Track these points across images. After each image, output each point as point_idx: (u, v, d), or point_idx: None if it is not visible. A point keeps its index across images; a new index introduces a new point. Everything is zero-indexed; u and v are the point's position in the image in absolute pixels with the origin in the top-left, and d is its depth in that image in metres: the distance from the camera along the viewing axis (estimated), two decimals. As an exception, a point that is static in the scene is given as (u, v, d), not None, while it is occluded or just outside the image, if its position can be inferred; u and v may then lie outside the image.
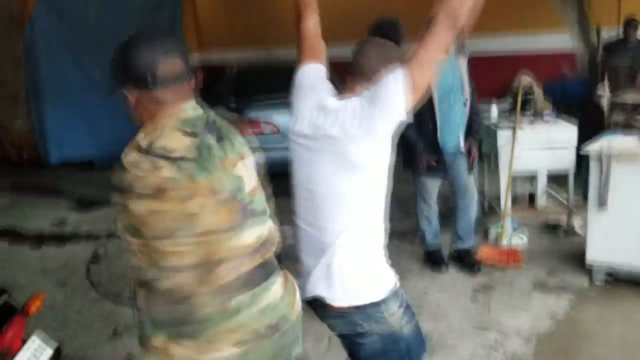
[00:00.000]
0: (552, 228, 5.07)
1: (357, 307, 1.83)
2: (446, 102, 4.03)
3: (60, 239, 5.70)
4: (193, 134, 1.56)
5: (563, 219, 5.06)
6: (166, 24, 10.44)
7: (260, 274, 1.64)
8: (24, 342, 2.31)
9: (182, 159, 1.50)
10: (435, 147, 4.07)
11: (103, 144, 8.77)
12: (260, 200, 1.69)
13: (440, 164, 4.10)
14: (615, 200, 3.87)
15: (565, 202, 5.03)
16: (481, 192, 5.53)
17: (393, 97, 1.76)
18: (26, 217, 6.39)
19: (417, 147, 4.05)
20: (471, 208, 4.30)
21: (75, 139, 8.48)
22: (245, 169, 1.64)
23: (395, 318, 1.87)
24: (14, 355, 2.23)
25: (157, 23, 10.19)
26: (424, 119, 3.94)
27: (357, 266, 1.87)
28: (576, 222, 5.02)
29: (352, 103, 1.86)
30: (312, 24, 2.15)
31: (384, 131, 1.82)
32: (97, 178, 8.24)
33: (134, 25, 9.72)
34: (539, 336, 3.47)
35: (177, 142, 1.53)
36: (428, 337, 2.31)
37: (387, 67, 1.83)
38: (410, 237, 4.81)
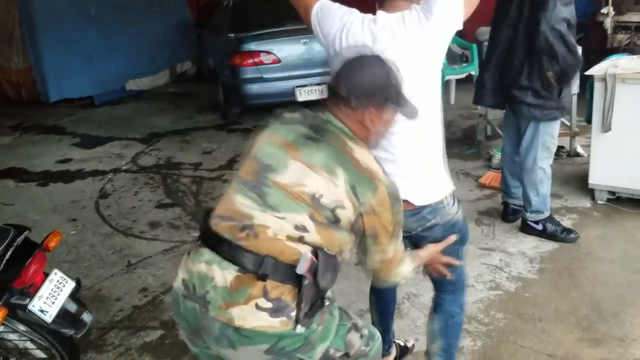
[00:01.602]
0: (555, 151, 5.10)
1: (429, 205, 2.06)
2: None
3: (67, 176, 5.75)
4: (299, 116, 1.79)
5: (566, 141, 5.08)
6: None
7: (217, 244, 1.65)
8: (46, 275, 2.37)
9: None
10: None
11: (101, 80, 8.73)
12: (283, 202, 1.64)
13: None
14: (619, 123, 3.87)
15: (569, 124, 5.04)
16: (484, 116, 5.53)
17: (451, 5, 1.87)
18: (30, 155, 6.43)
19: None
20: None
21: (73, 75, 8.42)
22: (301, 172, 1.65)
23: (453, 209, 2.13)
24: (38, 288, 2.30)
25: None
26: None
27: (430, 170, 2.09)
28: (579, 144, 5.05)
29: (406, 14, 1.92)
30: None
31: (441, 40, 1.94)
32: (97, 115, 8.27)
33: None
34: (543, 256, 3.56)
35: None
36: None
37: None
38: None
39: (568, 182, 4.47)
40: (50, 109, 8.43)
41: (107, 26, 8.84)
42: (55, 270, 2.42)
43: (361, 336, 1.87)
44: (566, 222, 3.90)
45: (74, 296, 2.45)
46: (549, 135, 3.61)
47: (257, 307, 1.57)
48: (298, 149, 1.68)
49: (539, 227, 3.74)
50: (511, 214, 3.97)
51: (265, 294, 1.58)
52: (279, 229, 1.61)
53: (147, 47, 9.51)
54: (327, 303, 1.73)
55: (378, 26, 1.94)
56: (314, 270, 1.60)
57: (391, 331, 2.65)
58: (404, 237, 1.91)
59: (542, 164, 3.63)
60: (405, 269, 1.86)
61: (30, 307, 2.24)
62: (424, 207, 2.05)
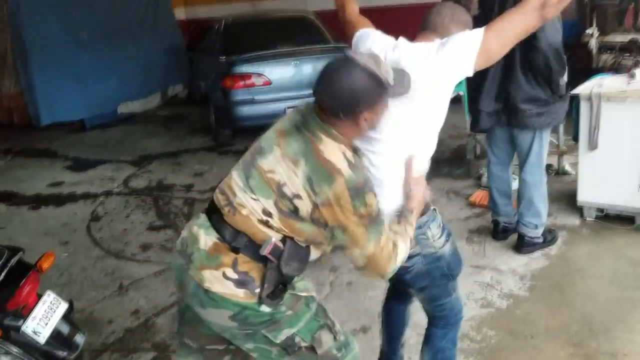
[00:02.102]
0: (543, 169, 5.17)
1: None
2: None
3: (58, 199, 5.75)
4: (304, 107, 1.88)
5: (554, 159, 5.15)
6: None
7: (211, 212, 1.87)
8: (39, 297, 2.38)
9: None
10: None
11: (93, 104, 8.75)
12: (259, 185, 1.77)
13: None
14: (605, 141, 3.94)
15: (556, 142, 5.11)
16: (473, 136, 5.60)
17: (465, 51, 1.89)
18: (22, 179, 6.42)
19: None
20: None
21: (65, 99, 8.42)
22: (276, 159, 1.76)
23: (436, 239, 2.07)
24: (32, 309, 2.31)
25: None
26: None
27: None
28: (567, 163, 5.12)
29: (427, 45, 1.97)
30: (352, 7, 2.32)
31: (448, 80, 1.95)
32: (89, 138, 8.28)
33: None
34: (534, 273, 3.59)
35: None
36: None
37: (458, 27, 1.98)
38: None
39: (557, 200, 4.52)
40: (41, 132, 8.43)
41: (99, 50, 8.89)
42: (49, 292, 2.43)
43: (335, 339, 1.91)
44: (556, 240, 3.94)
45: (66, 318, 2.46)
46: (547, 142, 3.72)
47: (224, 275, 1.75)
48: (285, 137, 1.79)
49: (541, 239, 3.79)
50: (501, 232, 4.01)
51: (234, 266, 1.76)
52: (252, 210, 1.77)
53: (138, 71, 9.56)
54: (298, 293, 1.84)
55: (401, 50, 2.00)
56: (278, 255, 1.75)
57: (398, 356, 2.56)
58: None
59: (544, 172, 3.73)
60: (399, 259, 1.82)
61: (23, 328, 2.25)
62: None
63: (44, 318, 2.32)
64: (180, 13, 11.39)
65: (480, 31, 1.89)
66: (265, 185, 1.75)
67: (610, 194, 4.04)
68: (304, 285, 1.88)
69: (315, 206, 1.71)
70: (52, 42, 8.34)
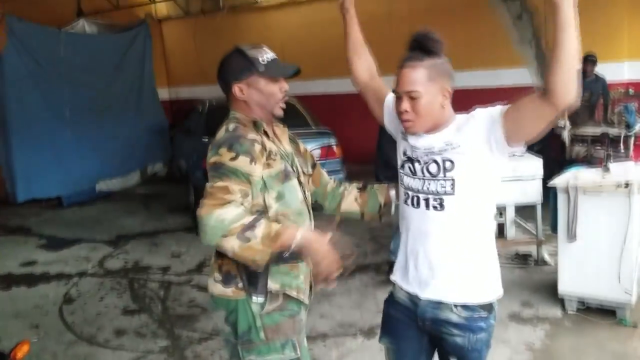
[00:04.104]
0: (522, 258, 5.22)
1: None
2: None
3: (31, 279, 5.59)
4: None
5: (533, 248, 5.20)
6: (136, 61, 10.48)
7: None
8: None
9: None
10: None
11: (71, 181, 8.70)
12: None
13: None
14: (584, 233, 4.00)
15: (534, 232, 5.17)
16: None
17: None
18: (-7, 257, 6.25)
19: None
20: None
21: (43, 176, 8.37)
22: None
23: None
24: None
25: (128, 60, 10.22)
26: None
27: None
28: (546, 252, 5.17)
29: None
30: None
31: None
32: (65, 216, 8.16)
33: (104, 63, 9.77)
34: (518, 367, 3.54)
35: None
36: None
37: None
38: (385, 270, 4.87)
39: (538, 291, 4.52)
40: (16, 208, 8.31)
41: (81, 127, 8.95)
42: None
43: None
44: (538, 333, 3.91)
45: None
46: None
47: (215, 279, 2.02)
48: None
49: None
50: None
51: (219, 269, 2.01)
52: None
53: (119, 149, 9.61)
54: (287, 291, 2.00)
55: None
56: None
57: None
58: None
59: None
60: (217, 217, 1.75)
61: None
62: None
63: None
64: (163, 93, 11.59)
65: (491, 111, 1.93)
66: None
67: (590, 286, 4.06)
68: (295, 284, 2.01)
69: None
70: (34, 117, 8.38)
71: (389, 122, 2.16)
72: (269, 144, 2.00)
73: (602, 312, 4.07)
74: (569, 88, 1.66)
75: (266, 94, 2.03)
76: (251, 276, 1.94)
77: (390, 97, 2.14)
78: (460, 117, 1.94)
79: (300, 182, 2.07)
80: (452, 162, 1.88)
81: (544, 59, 8.09)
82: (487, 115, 1.85)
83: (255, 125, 2.01)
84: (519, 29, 7.15)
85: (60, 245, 6.67)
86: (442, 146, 1.89)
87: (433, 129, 1.92)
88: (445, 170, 1.89)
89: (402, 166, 2.03)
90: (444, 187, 1.89)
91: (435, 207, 1.92)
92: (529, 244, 5.31)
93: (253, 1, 10.92)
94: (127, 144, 9.76)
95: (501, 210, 5.56)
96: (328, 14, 10.33)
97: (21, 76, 8.30)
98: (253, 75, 2.00)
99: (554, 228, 4.26)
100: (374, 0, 9.11)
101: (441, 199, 1.90)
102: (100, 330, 4.36)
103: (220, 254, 1.95)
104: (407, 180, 2.00)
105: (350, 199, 2.26)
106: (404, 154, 2.02)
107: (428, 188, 1.93)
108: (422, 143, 1.94)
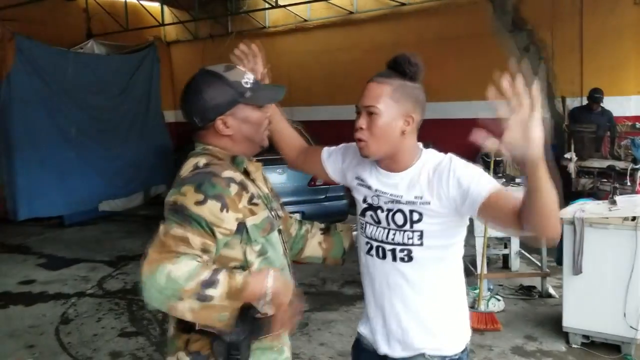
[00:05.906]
0: (526, 290, 5.14)
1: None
2: None
3: (28, 298, 5.53)
4: None
5: (537, 281, 5.13)
6: (143, 83, 10.54)
7: None
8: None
9: None
10: None
11: (73, 200, 8.68)
12: None
13: None
14: (589, 266, 3.94)
15: (539, 264, 5.11)
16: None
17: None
18: (-9, 275, 6.20)
19: None
20: None
21: (45, 194, 8.35)
22: None
23: None
24: None
25: (135, 82, 10.28)
26: None
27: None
28: (550, 285, 5.10)
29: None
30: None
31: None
32: (66, 235, 8.12)
33: (111, 84, 9.84)
34: (521, 402, 3.46)
35: None
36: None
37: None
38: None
39: (542, 324, 4.45)
40: (16, 227, 8.27)
41: (85, 148, 8.97)
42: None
43: None
44: (542, 367, 3.84)
45: None
46: None
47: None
48: None
49: None
50: None
51: (186, 347, 1.63)
52: None
53: (123, 170, 9.61)
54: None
55: None
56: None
57: None
58: None
59: None
60: (160, 273, 1.44)
61: None
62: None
63: None
64: (170, 115, 11.63)
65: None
66: None
67: (595, 321, 3.99)
68: (269, 344, 1.68)
69: None
70: (40, 137, 8.40)
71: (334, 171, 2.02)
72: (251, 186, 1.70)
73: (607, 347, 3.99)
74: (548, 232, 1.50)
75: (255, 124, 1.72)
76: (230, 357, 1.58)
77: (325, 151, 2.05)
78: (432, 161, 1.77)
79: (280, 231, 1.79)
80: (420, 214, 1.73)
81: (550, 90, 8.12)
82: (464, 192, 1.66)
83: (235, 161, 1.70)
84: (526, 60, 7.19)
85: (59, 264, 6.62)
86: (410, 199, 1.74)
87: (395, 163, 1.78)
88: (412, 222, 1.74)
89: (363, 214, 1.86)
90: (411, 238, 1.75)
91: (402, 259, 1.76)
92: (534, 276, 5.24)
93: (260, 27, 11.01)
94: (131, 165, 9.76)
95: (506, 242, 5.52)
96: (335, 41, 10.52)
97: (28, 95, 8.34)
98: (239, 104, 1.68)
99: (559, 261, 4.21)
100: (381, 31, 9.16)
101: (409, 250, 1.75)
102: (96, 352, 4.29)
103: (186, 325, 1.59)
104: (370, 230, 1.83)
105: (314, 244, 2.02)
106: (364, 201, 1.86)
107: (393, 239, 1.77)
108: (387, 188, 1.79)
